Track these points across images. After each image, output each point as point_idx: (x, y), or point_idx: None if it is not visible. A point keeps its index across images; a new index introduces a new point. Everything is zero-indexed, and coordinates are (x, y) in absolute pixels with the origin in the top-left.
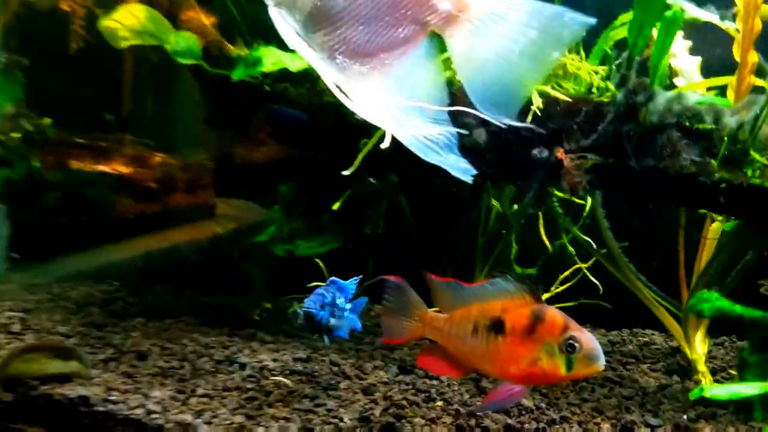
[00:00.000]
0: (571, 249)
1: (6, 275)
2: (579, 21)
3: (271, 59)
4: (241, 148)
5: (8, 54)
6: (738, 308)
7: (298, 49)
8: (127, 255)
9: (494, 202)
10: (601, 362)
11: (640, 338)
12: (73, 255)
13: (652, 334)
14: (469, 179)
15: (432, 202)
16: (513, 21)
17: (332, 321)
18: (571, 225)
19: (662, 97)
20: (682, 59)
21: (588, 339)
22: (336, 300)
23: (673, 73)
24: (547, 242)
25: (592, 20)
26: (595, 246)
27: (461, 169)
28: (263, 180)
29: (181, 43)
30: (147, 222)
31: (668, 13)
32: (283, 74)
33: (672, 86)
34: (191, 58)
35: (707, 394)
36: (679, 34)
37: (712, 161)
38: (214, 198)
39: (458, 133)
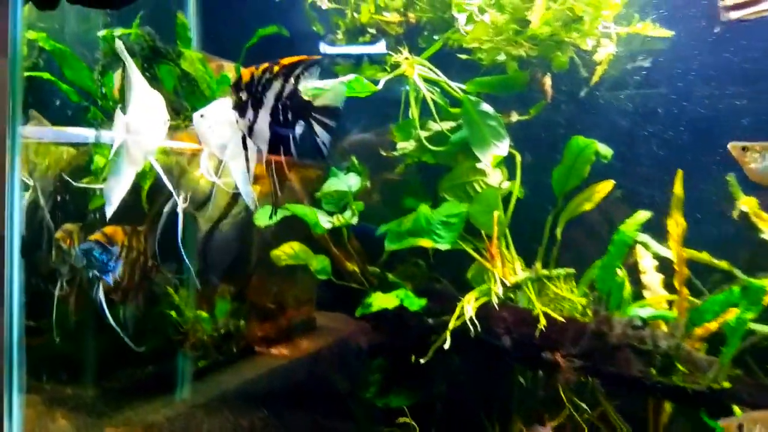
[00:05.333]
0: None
1: (191, 398)
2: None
3: (377, 302)
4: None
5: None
6: None
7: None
8: (256, 373)
9: (521, 379)
10: None
11: None
12: (220, 373)
13: None
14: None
15: (476, 377)
16: None
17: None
18: (572, 395)
19: (619, 326)
20: (650, 276)
21: None
22: (94, 251)
23: (642, 285)
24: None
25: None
26: None
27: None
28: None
29: (319, 264)
30: (267, 340)
31: (616, 282)
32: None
33: (641, 296)
34: (324, 275)
35: None
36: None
37: (652, 369)
38: (314, 311)
39: None
